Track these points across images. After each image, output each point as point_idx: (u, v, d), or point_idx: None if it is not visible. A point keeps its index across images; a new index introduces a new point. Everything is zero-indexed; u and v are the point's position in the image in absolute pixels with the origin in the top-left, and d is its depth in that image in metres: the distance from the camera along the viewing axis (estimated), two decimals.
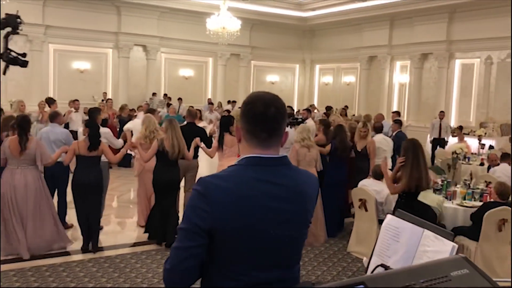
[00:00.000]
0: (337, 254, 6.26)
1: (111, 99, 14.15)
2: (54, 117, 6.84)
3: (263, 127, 1.69)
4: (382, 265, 1.69)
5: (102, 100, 15.66)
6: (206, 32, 15.29)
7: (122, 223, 7.63)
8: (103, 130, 6.62)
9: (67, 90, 16.91)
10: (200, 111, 10.21)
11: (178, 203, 6.74)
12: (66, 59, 17.45)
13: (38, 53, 16.26)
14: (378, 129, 8.23)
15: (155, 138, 6.61)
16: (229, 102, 18.08)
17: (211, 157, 6.88)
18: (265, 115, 1.68)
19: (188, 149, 6.37)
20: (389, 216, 1.86)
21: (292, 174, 1.75)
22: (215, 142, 6.80)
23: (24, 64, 4.65)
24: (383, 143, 7.89)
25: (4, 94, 14.94)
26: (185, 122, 7.53)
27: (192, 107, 10.54)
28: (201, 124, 8.42)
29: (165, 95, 18.28)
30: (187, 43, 18.83)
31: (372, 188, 6.16)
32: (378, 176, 6.25)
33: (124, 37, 17.74)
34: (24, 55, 4.63)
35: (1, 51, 4.53)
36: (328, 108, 13.84)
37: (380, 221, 5.02)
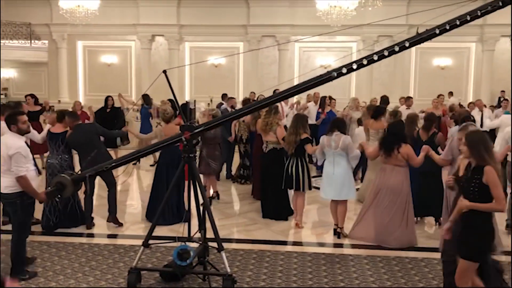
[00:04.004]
0: None
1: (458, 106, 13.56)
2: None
3: None
4: None
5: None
6: None
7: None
8: None
9: (427, 87, 17.33)
10: None
11: None
12: (428, 56, 17.96)
13: (401, 54, 17.15)
14: None
15: None
16: None
17: None
18: None
19: None
20: None
21: None
22: None
23: None
24: None
25: (369, 91, 16.62)
26: None
27: None
28: None
29: None
30: None
31: None
32: None
33: (489, 29, 16.70)
34: None
35: None
36: None
37: None
